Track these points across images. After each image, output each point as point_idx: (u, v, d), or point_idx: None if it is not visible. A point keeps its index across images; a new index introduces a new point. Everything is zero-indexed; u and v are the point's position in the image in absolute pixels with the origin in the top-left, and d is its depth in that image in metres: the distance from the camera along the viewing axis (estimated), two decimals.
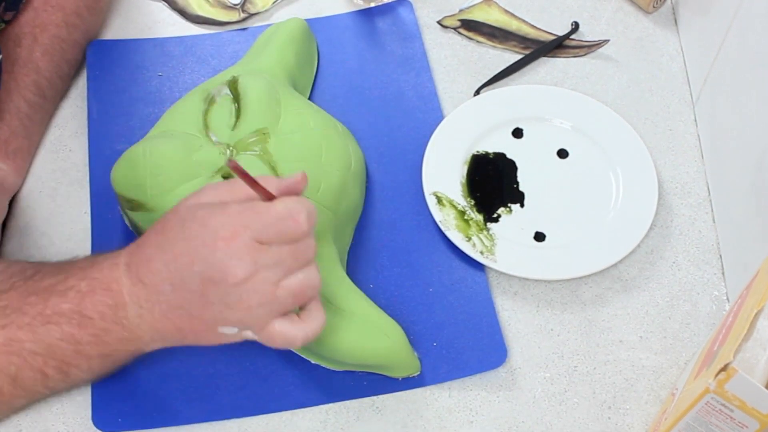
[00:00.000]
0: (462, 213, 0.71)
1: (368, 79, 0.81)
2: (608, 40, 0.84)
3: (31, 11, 0.78)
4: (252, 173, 0.54)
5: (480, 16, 0.86)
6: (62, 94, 0.80)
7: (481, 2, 0.87)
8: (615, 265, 0.70)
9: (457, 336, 0.66)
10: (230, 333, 0.57)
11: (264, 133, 0.68)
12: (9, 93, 0.74)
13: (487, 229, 0.71)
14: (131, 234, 0.71)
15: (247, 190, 0.55)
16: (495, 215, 0.72)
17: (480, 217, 0.72)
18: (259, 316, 0.55)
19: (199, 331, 0.57)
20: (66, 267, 0.58)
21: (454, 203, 0.72)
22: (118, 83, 0.81)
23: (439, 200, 0.72)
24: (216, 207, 0.55)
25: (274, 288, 0.54)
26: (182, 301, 0.55)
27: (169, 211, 0.57)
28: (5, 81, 0.74)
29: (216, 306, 0.54)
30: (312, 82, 0.81)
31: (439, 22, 0.86)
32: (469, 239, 0.70)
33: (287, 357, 0.66)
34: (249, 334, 0.57)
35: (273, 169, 0.67)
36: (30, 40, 0.76)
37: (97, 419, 0.63)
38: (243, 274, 0.53)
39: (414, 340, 0.65)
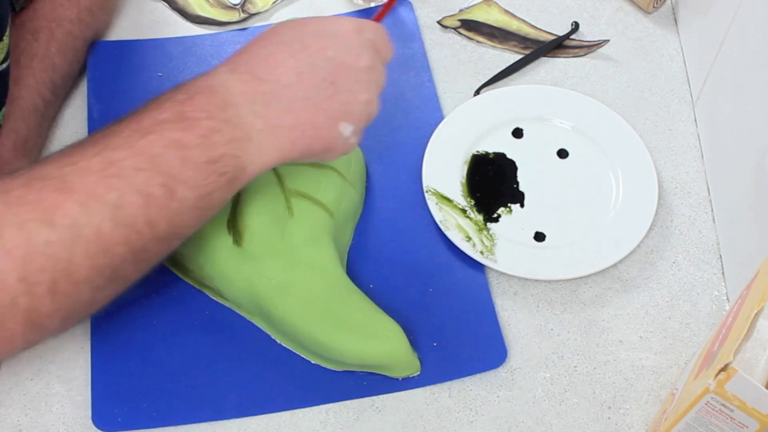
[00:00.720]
0: (462, 213, 0.71)
1: None
2: (608, 40, 0.84)
3: (48, 4, 0.77)
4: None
5: (480, 16, 0.86)
6: (68, 92, 0.80)
7: (481, 2, 0.87)
8: (615, 265, 0.70)
9: (457, 336, 0.66)
10: (348, 131, 0.58)
11: None
12: (29, 89, 0.74)
13: (487, 229, 0.71)
14: None
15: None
16: (495, 215, 0.72)
17: (480, 217, 0.72)
18: (372, 108, 0.59)
19: (320, 125, 0.57)
20: (146, 104, 0.54)
21: (454, 203, 0.72)
22: (119, 84, 0.81)
23: (439, 200, 0.72)
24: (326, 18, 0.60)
25: (377, 92, 0.59)
26: (309, 90, 0.56)
27: (270, 29, 0.58)
28: (24, 76, 0.74)
29: (342, 94, 0.57)
30: None
31: (439, 22, 0.86)
32: (469, 239, 0.70)
33: (287, 357, 0.66)
34: (354, 139, 0.60)
35: (272, 168, 0.67)
36: (47, 34, 0.76)
37: (97, 418, 0.63)
38: (370, 62, 0.58)
39: (414, 340, 0.65)
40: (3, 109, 0.64)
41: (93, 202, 0.50)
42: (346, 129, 0.58)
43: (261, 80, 0.55)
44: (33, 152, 0.74)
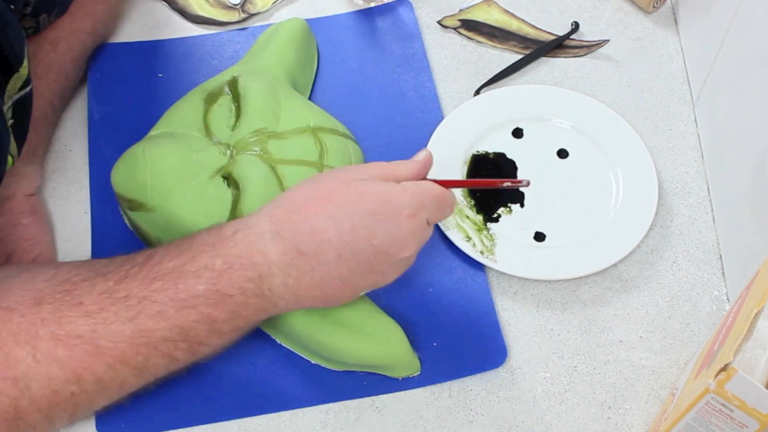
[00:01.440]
0: (462, 213, 0.71)
1: (368, 79, 0.81)
2: (608, 40, 0.84)
3: (68, 15, 0.78)
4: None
5: (480, 16, 0.86)
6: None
7: (481, 2, 0.87)
8: (615, 265, 0.70)
9: (457, 336, 0.66)
10: (363, 293, 0.60)
11: (264, 133, 0.68)
12: (42, 99, 0.74)
13: (487, 229, 0.71)
14: (131, 234, 0.71)
15: (398, 168, 0.59)
16: (495, 215, 0.72)
17: (480, 217, 0.72)
18: (394, 278, 0.59)
19: (343, 296, 0.58)
20: (188, 245, 0.56)
21: None
22: (119, 84, 0.81)
23: None
24: (393, 185, 0.57)
25: (405, 268, 0.59)
26: (344, 272, 0.56)
27: (327, 179, 0.57)
28: (39, 87, 0.73)
29: (375, 275, 0.57)
30: (312, 82, 0.81)
31: (439, 22, 0.86)
32: (469, 239, 0.70)
33: (287, 357, 0.66)
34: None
35: (273, 169, 0.67)
36: (65, 46, 0.77)
37: (100, 426, 0.63)
38: (413, 250, 0.57)
39: (414, 340, 0.65)
40: (27, 134, 0.65)
41: (121, 365, 0.53)
42: (366, 291, 0.60)
43: (301, 254, 0.55)
44: (40, 158, 0.75)
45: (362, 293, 0.60)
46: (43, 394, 0.52)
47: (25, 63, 0.61)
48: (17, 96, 0.61)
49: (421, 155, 0.60)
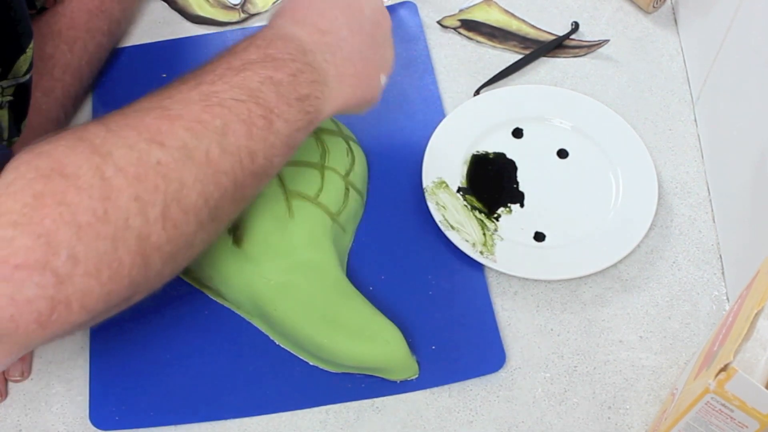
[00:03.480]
0: (462, 213, 0.71)
1: None
2: (608, 40, 0.84)
3: (85, 14, 0.77)
4: None
5: (480, 16, 0.86)
6: None
7: (481, 2, 0.87)
8: (615, 265, 0.70)
9: (456, 340, 0.66)
10: (383, 83, 0.65)
11: None
12: (56, 102, 0.74)
13: (487, 229, 0.71)
14: None
15: None
16: (495, 215, 0.72)
17: (480, 217, 0.72)
18: (392, 65, 0.66)
19: (371, 76, 0.63)
20: (227, 48, 0.57)
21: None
22: (123, 86, 0.81)
23: (439, 200, 0.72)
24: None
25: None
26: (360, 44, 0.62)
27: None
28: (54, 88, 0.74)
29: (380, 48, 0.64)
30: None
31: (439, 22, 0.86)
32: (469, 239, 0.70)
33: (286, 358, 0.66)
34: (380, 92, 0.66)
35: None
36: (81, 46, 0.76)
37: (94, 417, 0.63)
38: (389, 22, 0.66)
39: (412, 343, 0.65)
40: (25, 120, 0.65)
41: (200, 127, 0.50)
42: (383, 80, 0.65)
43: (324, 32, 0.59)
44: None
45: (382, 80, 0.65)
46: (129, 162, 0.47)
47: (30, 51, 0.60)
48: (22, 80, 0.60)
49: None
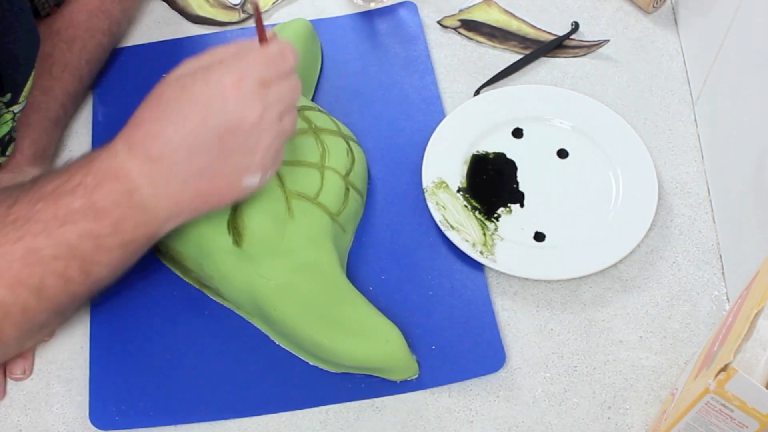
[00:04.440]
0: (462, 213, 0.71)
1: (371, 80, 0.81)
2: (608, 40, 0.84)
3: (84, 14, 0.78)
4: None
5: (480, 16, 0.86)
6: None
7: (481, 2, 0.87)
8: (615, 265, 0.70)
9: (456, 340, 0.66)
10: (254, 181, 0.59)
11: None
12: (55, 101, 0.74)
13: (487, 229, 0.71)
14: None
15: (215, 51, 0.58)
16: (495, 215, 0.72)
17: (480, 217, 0.72)
18: (275, 151, 0.59)
19: (222, 190, 0.58)
20: (65, 169, 0.57)
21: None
22: (123, 85, 0.81)
23: (439, 200, 0.72)
24: (209, 65, 0.56)
25: (279, 122, 0.58)
26: (201, 163, 0.56)
27: (156, 88, 0.58)
28: (53, 87, 0.74)
29: (236, 155, 0.57)
30: (315, 83, 0.81)
31: (439, 22, 0.86)
32: (469, 239, 0.70)
33: (286, 358, 0.66)
34: (270, 174, 0.60)
35: None
36: (80, 45, 0.76)
37: (94, 417, 0.63)
38: (257, 114, 0.56)
39: (412, 343, 0.65)
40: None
41: (18, 287, 0.54)
42: (251, 180, 0.59)
43: (155, 160, 0.56)
44: (48, 160, 0.75)
45: (247, 182, 0.58)
46: None
47: (31, 81, 0.62)
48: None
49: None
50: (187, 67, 0.58)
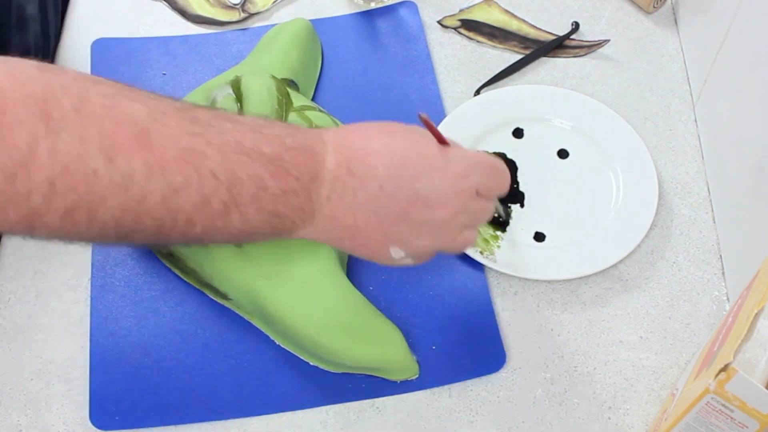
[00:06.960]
0: None
1: (372, 80, 0.81)
2: (608, 40, 0.84)
3: None
4: None
5: (480, 16, 0.86)
6: None
7: (481, 2, 0.87)
8: (615, 265, 0.70)
9: (456, 340, 0.66)
10: (397, 256, 0.57)
11: None
12: None
13: (487, 229, 0.71)
14: None
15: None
16: (495, 215, 0.72)
17: None
18: (430, 249, 0.57)
19: (372, 241, 0.55)
20: (265, 117, 0.53)
21: None
22: (122, 81, 0.81)
23: None
24: (455, 144, 0.57)
25: (457, 232, 0.57)
26: (381, 207, 0.54)
27: (393, 122, 0.57)
28: None
29: (408, 227, 0.55)
30: (316, 82, 0.81)
31: (439, 22, 0.86)
32: None
33: (286, 358, 0.66)
34: (410, 262, 0.58)
35: None
36: None
37: (94, 417, 0.63)
38: (452, 211, 0.55)
39: (412, 343, 0.65)
40: None
41: (158, 172, 0.47)
42: (397, 253, 0.57)
43: (350, 173, 0.54)
44: None
45: (394, 253, 0.56)
46: (67, 151, 0.44)
47: None
48: None
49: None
50: (423, 127, 0.57)
